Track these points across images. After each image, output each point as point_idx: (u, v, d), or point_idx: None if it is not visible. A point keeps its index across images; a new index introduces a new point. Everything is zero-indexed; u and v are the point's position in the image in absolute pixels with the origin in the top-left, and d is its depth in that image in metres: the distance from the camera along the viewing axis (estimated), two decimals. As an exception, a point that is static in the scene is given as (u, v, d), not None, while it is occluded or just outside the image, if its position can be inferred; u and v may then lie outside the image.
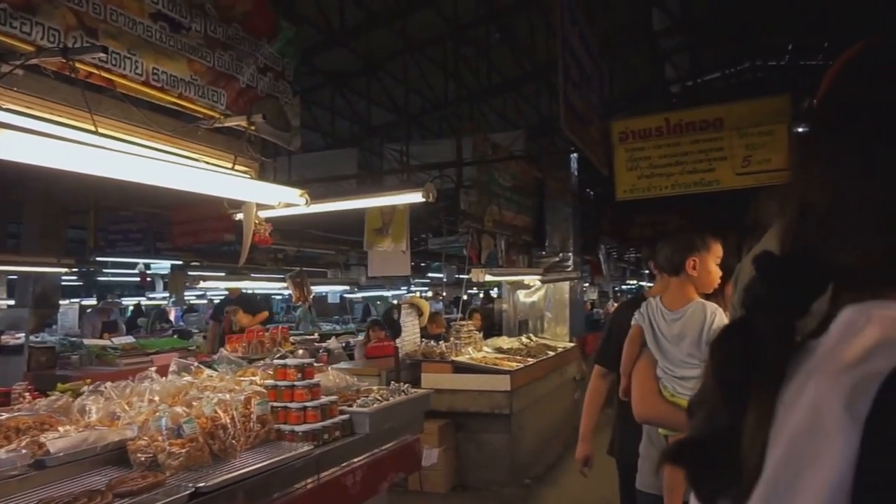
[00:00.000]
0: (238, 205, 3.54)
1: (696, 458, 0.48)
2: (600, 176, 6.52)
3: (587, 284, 9.96)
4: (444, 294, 12.47)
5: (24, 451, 2.25)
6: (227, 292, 8.57)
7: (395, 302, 9.11)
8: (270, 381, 3.31)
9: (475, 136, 6.13)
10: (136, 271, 9.90)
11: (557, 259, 7.42)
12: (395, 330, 5.15)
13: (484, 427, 5.37)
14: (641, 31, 9.20)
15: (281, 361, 3.41)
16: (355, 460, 3.33)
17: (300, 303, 9.54)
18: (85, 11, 2.50)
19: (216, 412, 2.69)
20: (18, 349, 6.35)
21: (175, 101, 2.99)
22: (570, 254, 7.44)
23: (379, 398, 3.75)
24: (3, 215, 7.91)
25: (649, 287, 2.85)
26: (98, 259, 8.17)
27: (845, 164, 0.46)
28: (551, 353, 6.49)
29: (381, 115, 10.14)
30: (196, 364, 3.73)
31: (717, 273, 2.26)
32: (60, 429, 2.48)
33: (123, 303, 13.89)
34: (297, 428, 3.07)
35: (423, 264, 11.85)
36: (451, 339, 5.94)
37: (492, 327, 8.33)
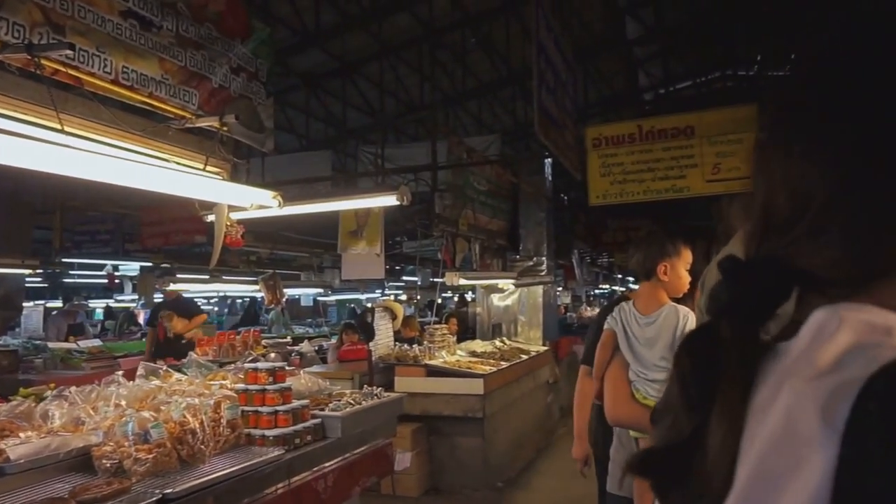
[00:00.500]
0: (209, 206, 3.49)
1: (661, 468, 0.47)
2: (574, 181, 6.59)
3: (561, 288, 10.04)
4: (419, 297, 12.46)
5: (-17, 457, 2.18)
6: (162, 296, 8.03)
7: (368, 305, 9.08)
8: (241, 385, 3.27)
9: (450, 140, 6.15)
10: (103, 273, 9.70)
11: (531, 263, 7.47)
12: (368, 333, 5.13)
13: (457, 431, 5.37)
14: (616, 40, 9.32)
15: (252, 365, 3.37)
16: (327, 465, 3.30)
17: (273, 305, 9.44)
18: (52, 7, 2.45)
19: (185, 417, 2.64)
20: (-21, 352, 6.17)
21: (145, 100, 2.94)
22: (544, 258, 7.50)
23: (351, 402, 3.73)
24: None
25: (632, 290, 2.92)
26: (64, 260, 7.98)
27: (805, 167, 0.45)
28: (525, 357, 6.52)
29: (357, 118, 10.10)
30: (165, 368, 3.67)
31: (686, 278, 2.30)
32: (22, 435, 2.41)
33: (90, 305, 13.60)
34: (268, 432, 3.04)
35: (397, 267, 11.83)
36: (425, 342, 5.94)
37: (466, 331, 8.35)
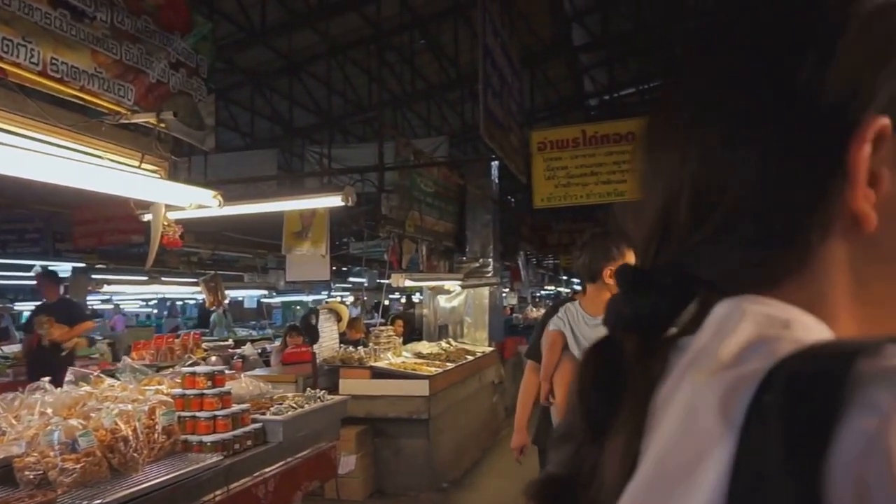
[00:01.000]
0: (146, 205, 3.37)
1: (557, 497, 0.46)
2: (520, 183, 6.68)
3: (507, 290, 10.15)
4: (366, 298, 12.37)
5: None
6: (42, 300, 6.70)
7: (314, 307, 8.95)
8: (178, 390, 3.18)
9: (397, 141, 6.13)
10: (31, 274, 9.23)
11: (478, 265, 7.53)
12: (312, 335, 5.06)
13: (402, 432, 5.36)
14: (563, 46, 9.50)
15: (190, 369, 3.28)
16: (268, 470, 3.24)
17: (214, 308, 9.19)
18: (-27, -7, 2.32)
19: (116, 424, 2.54)
20: None
21: (76, 93, 2.81)
22: (490, 259, 7.57)
23: (294, 405, 3.67)
24: None
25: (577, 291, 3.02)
26: (-13, 260, 7.56)
27: (709, 169, 0.43)
28: (470, 358, 6.56)
29: (303, 117, 9.96)
30: (96, 373, 3.52)
31: None
32: (-64, 446, 2.27)
33: (15, 308, 12.93)
34: (206, 438, 2.96)
35: (344, 269, 11.71)
36: (371, 344, 5.90)
37: (412, 332, 8.34)
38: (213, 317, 12.83)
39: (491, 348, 7.54)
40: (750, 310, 0.39)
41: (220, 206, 3.19)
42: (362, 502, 5.21)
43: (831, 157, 0.39)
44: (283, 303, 16.23)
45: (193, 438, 2.97)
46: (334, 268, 10.21)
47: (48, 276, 6.40)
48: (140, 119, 3.06)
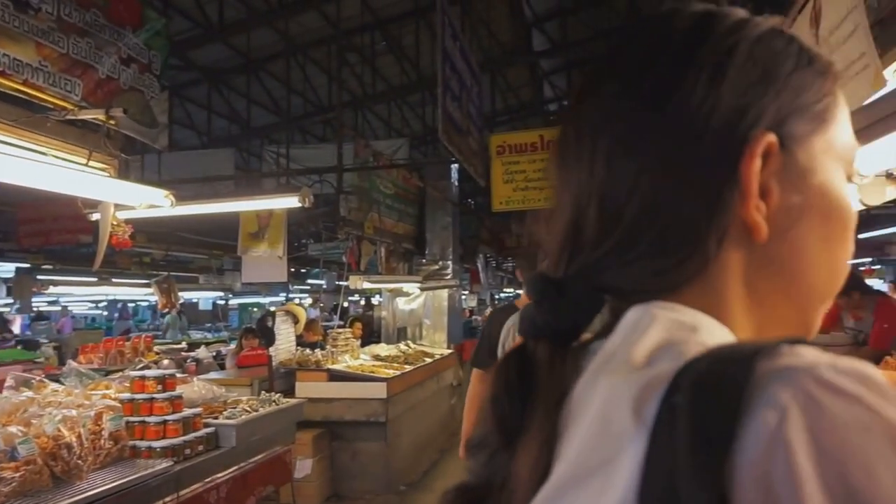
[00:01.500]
0: (94, 204, 3.27)
1: (473, 502, 0.46)
2: (480, 186, 6.72)
3: (466, 292, 10.20)
4: (323, 302, 12.25)
5: None
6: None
7: (271, 309, 8.82)
8: (127, 395, 3.09)
9: (356, 143, 6.10)
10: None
11: (437, 267, 7.54)
12: (268, 338, 4.98)
13: (359, 435, 5.32)
14: (523, 51, 9.60)
15: (139, 373, 3.20)
16: (220, 475, 3.19)
17: (167, 310, 8.97)
18: None
19: (59, 430, 2.46)
20: None
21: (19, 87, 2.72)
22: (450, 262, 7.59)
23: (248, 409, 3.62)
24: None
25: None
26: (-75, 260, 7.21)
27: (616, 181, 0.44)
28: (429, 360, 6.56)
29: (262, 116, 9.81)
30: (39, 378, 3.39)
31: None
32: None
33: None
34: (155, 444, 2.90)
35: (302, 270, 11.58)
36: (328, 346, 5.85)
37: (371, 334, 8.29)
38: (166, 319, 12.52)
39: (450, 350, 7.56)
40: (659, 315, 0.41)
41: (172, 205, 3.12)
42: (318, 506, 5.16)
43: (726, 171, 0.42)
44: (239, 305, 15.93)
45: (142, 444, 2.90)
46: (292, 269, 10.09)
47: None
48: (88, 115, 2.98)
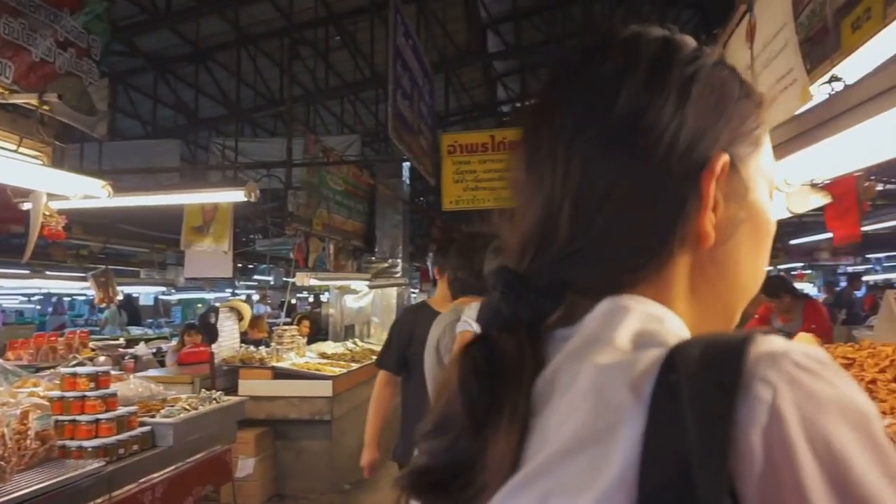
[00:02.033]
0: (26, 193, 3.13)
1: (432, 485, 0.47)
2: (432, 185, 6.73)
3: (416, 291, 10.18)
4: (271, 299, 12.04)
5: None
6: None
7: (214, 304, 8.61)
8: (56, 393, 2.97)
9: (306, 138, 6.01)
10: None
11: (387, 265, 7.50)
12: (211, 335, 4.86)
13: (304, 434, 5.26)
14: (477, 52, 9.66)
15: (70, 370, 3.07)
16: (155, 475, 3.10)
17: (105, 304, 8.64)
18: None
19: (-20, 429, 2.34)
20: None
21: (-57, 68, 2.57)
22: (400, 260, 7.56)
23: (187, 407, 3.53)
24: None
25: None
26: None
27: (588, 185, 0.48)
28: (376, 358, 6.53)
29: (210, 108, 9.56)
30: (-39, 374, 3.23)
31: None
32: None
33: None
34: (87, 443, 2.79)
35: (250, 266, 11.35)
36: (273, 344, 5.75)
37: (319, 332, 8.20)
38: (105, 314, 12.06)
39: (398, 349, 7.52)
40: (632, 306, 0.46)
41: (109, 196, 3.00)
42: (260, 506, 5.07)
43: (689, 185, 0.48)
44: (183, 300, 15.49)
45: (72, 444, 2.79)
46: (239, 265, 9.88)
47: None
48: (19, 100, 2.84)
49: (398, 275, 7.43)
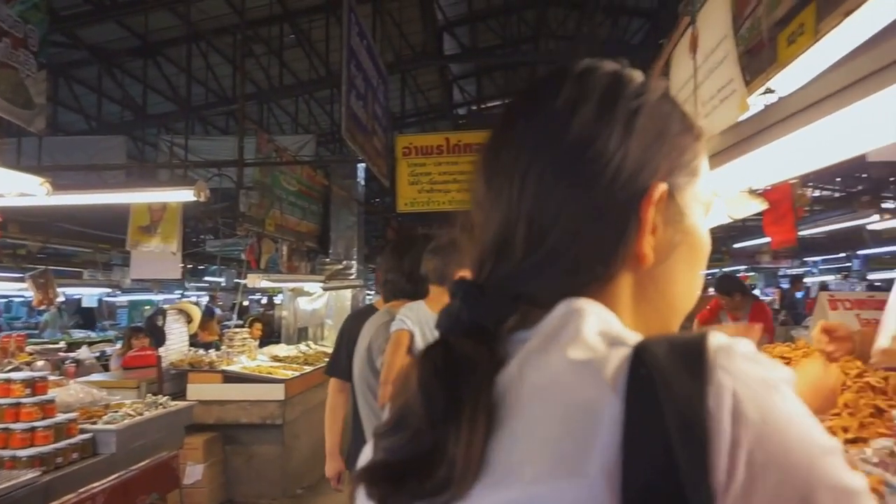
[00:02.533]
0: (-45, 190, 2.97)
1: (391, 478, 0.49)
2: (386, 186, 6.70)
3: (371, 293, 10.11)
4: (222, 301, 11.77)
5: None
6: None
7: (161, 306, 8.35)
8: (-12, 399, 2.83)
9: (258, 137, 5.90)
10: None
11: (341, 266, 7.43)
12: (158, 337, 4.72)
13: (255, 439, 5.16)
14: (433, 54, 9.66)
15: (4, 375, 2.94)
16: (97, 484, 3.00)
17: (44, 307, 8.28)
18: None
19: None
20: None
21: None
22: (354, 262, 7.50)
23: (131, 413, 3.43)
24: None
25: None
26: None
27: (543, 204, 0.53)
28: (325, 366, 6.46)
29: (159, 104, 9.28)
30: None
31: None
32: None
33: None
34: (21, 452, 2.68)
35: (200, 267, 11.07)
36: (224, 347, 5.63)
37: (272, 335, 8.06)
38: (45, 316, 11.58)
39: (352, 351, 7.45)
40: (588, 309, 0.50)
41: (48, 194, 2.89)
42: (209, 513, 4.95)
43: (631, 210, 0.53)
44: (129, 302, 14.98)
45: (5, 453, 2.68)
46: (189, 266, 9.62)
47: None
48: (-50, 92, 2.70)
49: (353, 276, 7.37)
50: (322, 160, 9.24)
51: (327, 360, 6.46)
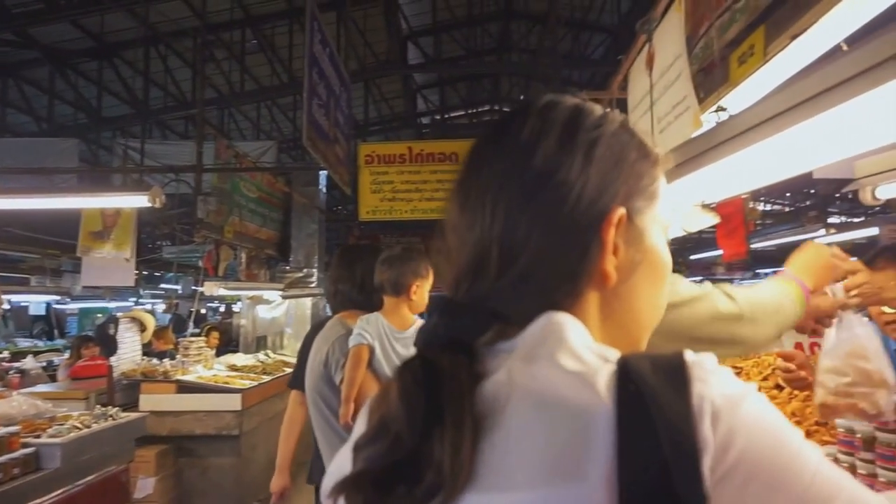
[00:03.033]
0: None
1: (378, 485, 0.50)
2: (348, 195, 6.65)
3: (333, 301, 9.99)
4: (178, 310, 11.47)
5: None
6: None
7: (113, 314, 8.09)
8: (-77, 413, 2.70)
9: (217, 142, 5.80)
10: None
11: (301, 274, 7.33)
12: (109, 346, 4.58)
13: (211, 450, 5.03)
14: (397, 63, 9.68)
15: (-58, 387, 2.81)
16: (40, 500, 2.87)
17: (-12, 314, 7.96)
18: None
19: None
20: None
21: None
22: (315, 270, 7.41)
23: (78, 426, 3.31)
24: None
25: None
26: None
27: (516, 229, 0.56)
28: (288, 370, 6.33)
29: (115, 107, 9.06)
30: None
31: (426, 299, 2.38)
32: None
33: None
34: (-42, 468, 2.55)
35: (156, 274, 10.80)
36: (179, 356, 5.48)
37: (230, 343, 7.89)
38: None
39: (312, 360, 7.34)
40: (567, 321, 0.54)
41: (-7, 198, 2.78)
42: (160, 528, 4.80)
43: (592, 233, 0.57)
44: (80, 310, 14.49)
45: (-59, 469, 2.54)
46: (144, 272, 9.38)
47: None
48: None
49: (313, 285, 7.28)
50: (283, 167, 9.14)
51: (287, 369, 6.40)
